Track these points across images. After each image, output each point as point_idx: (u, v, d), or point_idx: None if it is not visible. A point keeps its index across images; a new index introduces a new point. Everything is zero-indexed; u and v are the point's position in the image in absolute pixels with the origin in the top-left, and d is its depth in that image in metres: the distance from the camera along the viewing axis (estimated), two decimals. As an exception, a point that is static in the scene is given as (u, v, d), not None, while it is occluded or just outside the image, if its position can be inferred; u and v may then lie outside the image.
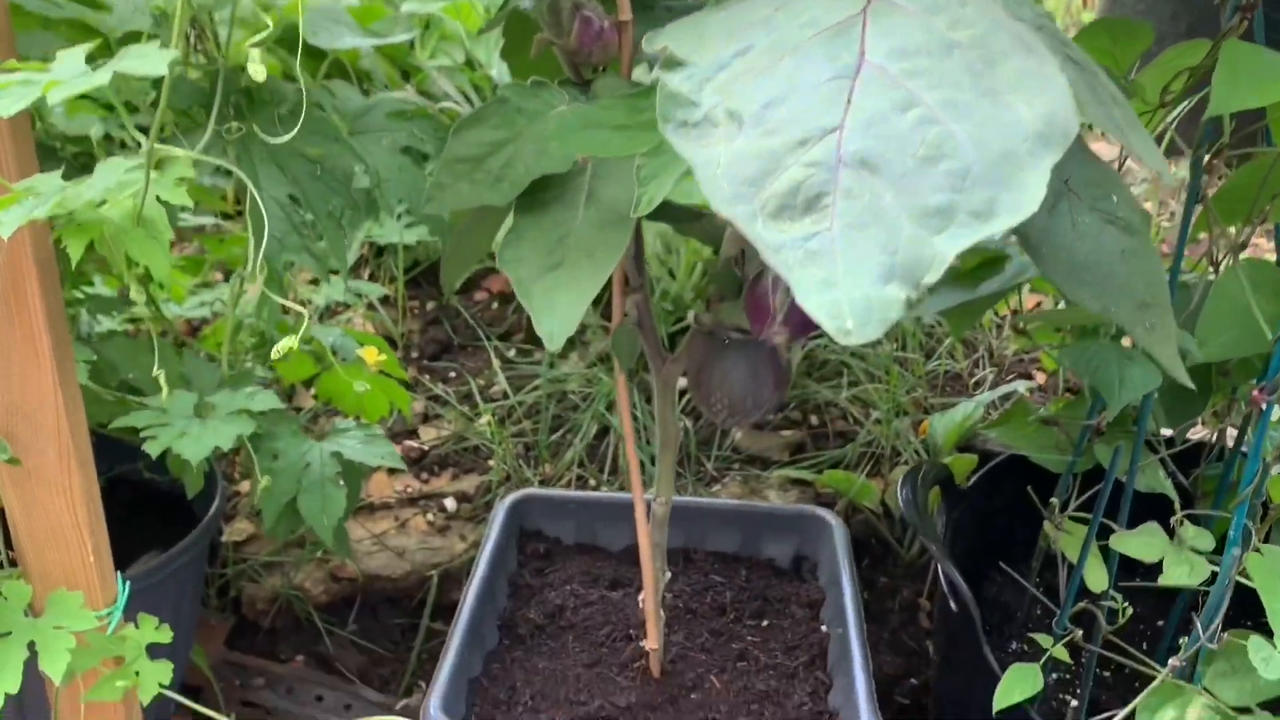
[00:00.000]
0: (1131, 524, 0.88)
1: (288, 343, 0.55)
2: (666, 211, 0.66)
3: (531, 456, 1.44)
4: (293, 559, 1.30)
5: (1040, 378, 1.63)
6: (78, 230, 0.54)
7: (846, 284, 0.35)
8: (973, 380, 1.61)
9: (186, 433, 0.77)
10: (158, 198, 0.53)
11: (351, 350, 1.02)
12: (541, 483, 1.39)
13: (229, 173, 0.81)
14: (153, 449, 0.76)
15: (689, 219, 0.81)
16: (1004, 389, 1.45)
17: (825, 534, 1.17)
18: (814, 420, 1.53)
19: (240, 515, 1.36)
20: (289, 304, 0.59)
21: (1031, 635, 0.87)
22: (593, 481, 1.40)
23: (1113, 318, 0.59)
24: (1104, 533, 0.97)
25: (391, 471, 1.44)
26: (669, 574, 0.99)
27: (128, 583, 0.74)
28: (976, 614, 0.86)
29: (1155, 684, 0.73)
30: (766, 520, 1.21)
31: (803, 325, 0.64)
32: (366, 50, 1.46)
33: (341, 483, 0.86)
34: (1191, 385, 0.65)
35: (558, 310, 0.64)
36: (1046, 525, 0.92)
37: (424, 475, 1.44)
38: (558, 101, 0.73)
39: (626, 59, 0.80)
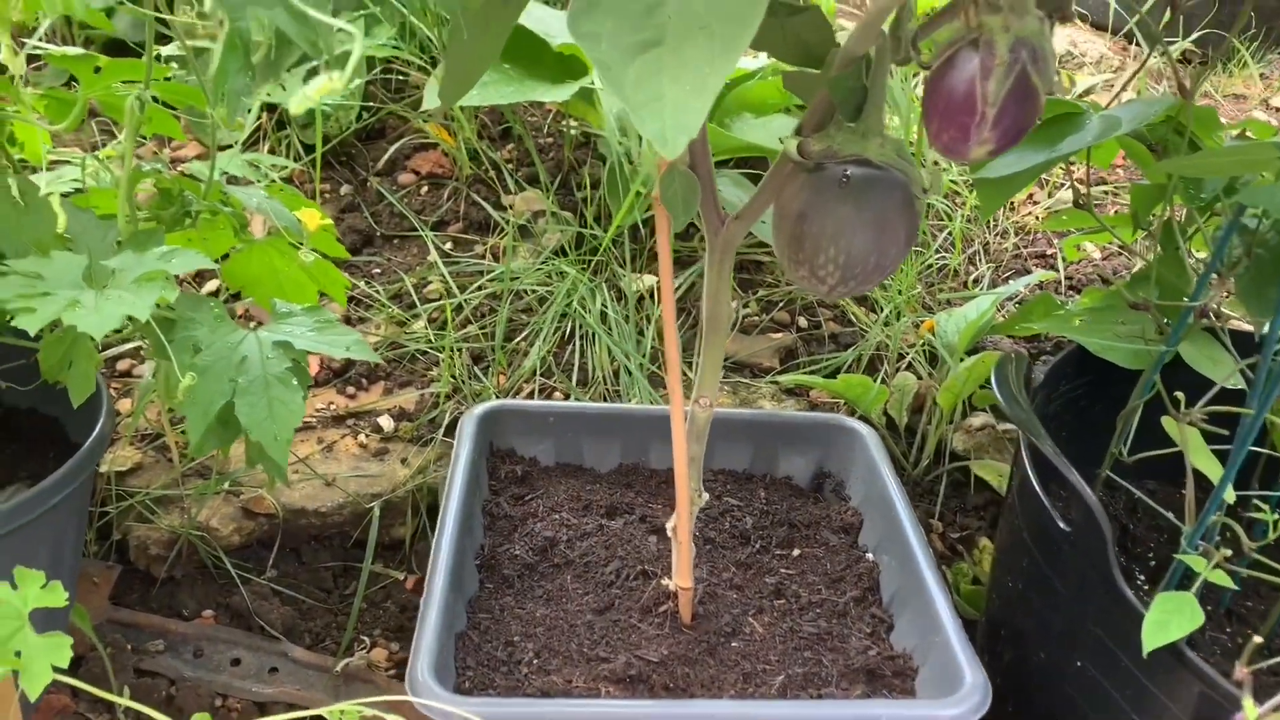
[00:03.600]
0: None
1: (326, 86, 0.33)
2: None
3: (483, 365, 1.23)
4: (194, 492, 1.07)
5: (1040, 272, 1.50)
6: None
7: None
8: (970, 278, 1.47)
9: (79, 301, 0.53)
10: None
11: (282, 216, 0.79)
12: (499, 395, 1.19)
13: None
14: (29, 323, 0.53)
15: (784, 12, 0.61)
16: (1025, 280, 1.32)
17: (855, 447, 1.01)
18: (803, 322, 1.37)
19: (123, 439, 1.11)
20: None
21: (1177, 555, 0.72)
22: (559, 393, 1.20)
23: None
24: (1215, 438, 0.83)
25: (315, 382, 1.21)
26: (705, 496, 0.81)
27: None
28: (1109, 532, 0.71)
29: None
30: (782, 432, 1.04)
31: (1019, 128, 0.46)
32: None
33: (295, 381, 0.65)
34: None
35: (668, 101, 0.44)
36: (1170, 425, 0.77)
37: (350, 390, 1.22)
38: None
39: None
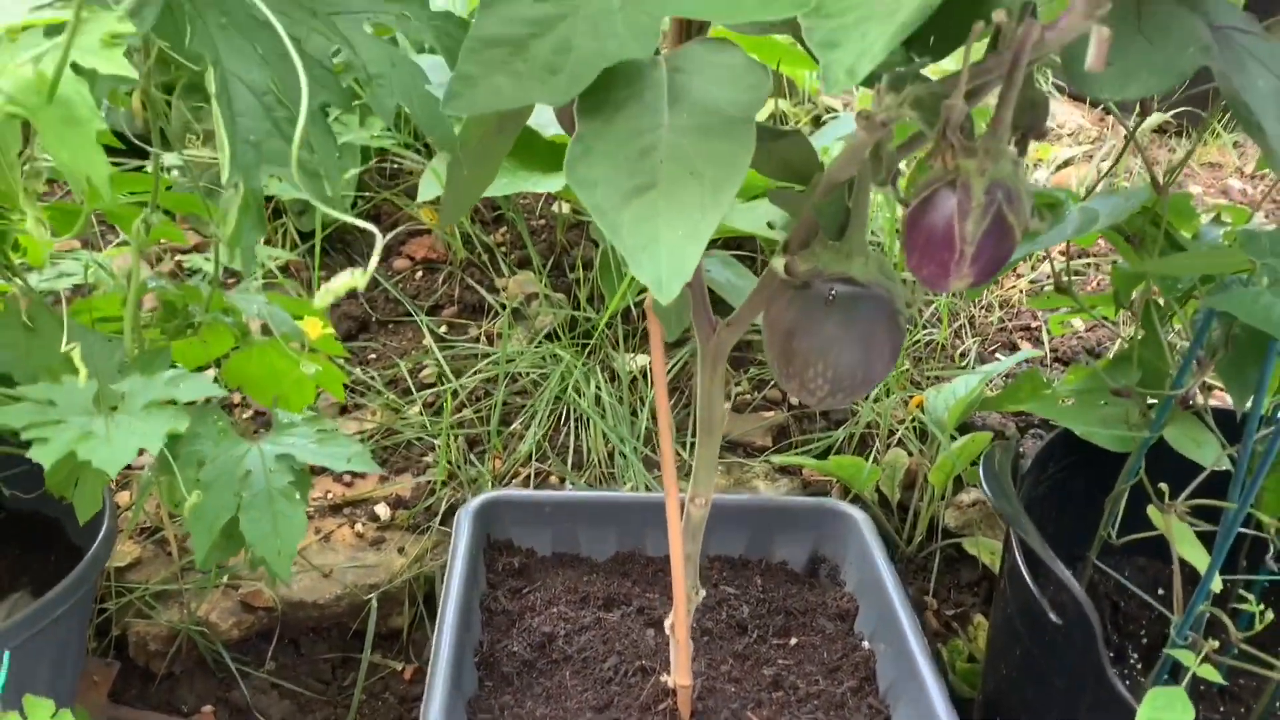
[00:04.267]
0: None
1: (349, 282, 0.35)
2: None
3: (478, 450, 1.24)
4: (193, 586, 1.07)
5: (1026, 346, 1.53)
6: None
7: None
8: (957, 352, 1.50)
9: (92, 432, 0.55)
10: (75, 66, 0.33)
11: (284, 323, 0.81)
12: (495, 481, 1.20)
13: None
14: (43, 456, 0.54)
15: (768, 138, 0.64)
16: (1013, 359, 1.34)
17: (848, 531, 1.03)
18: (794, 400, 1.38)
19: (123, 533, 1.12)
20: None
21: (1167, 650, 0.74)
22: (555, 477, 1.21)
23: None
24: (1201, 517, 0.85)
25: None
26: (702, 593, 0.82)
27: (5, 653, 0.53)
28: (1098, 627, 0.72)
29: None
30: (777, 517, 1.05)
31: (995, 263, 0.49)
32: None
33: (298, 495, 0.66)
34: None
35: (663, 247, 0.46)
36: (1155, 515, 0.79)
37: (347, 477, 1.23)
38: (619, -35, 0.55)
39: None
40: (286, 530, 0.64)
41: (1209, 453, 0.95)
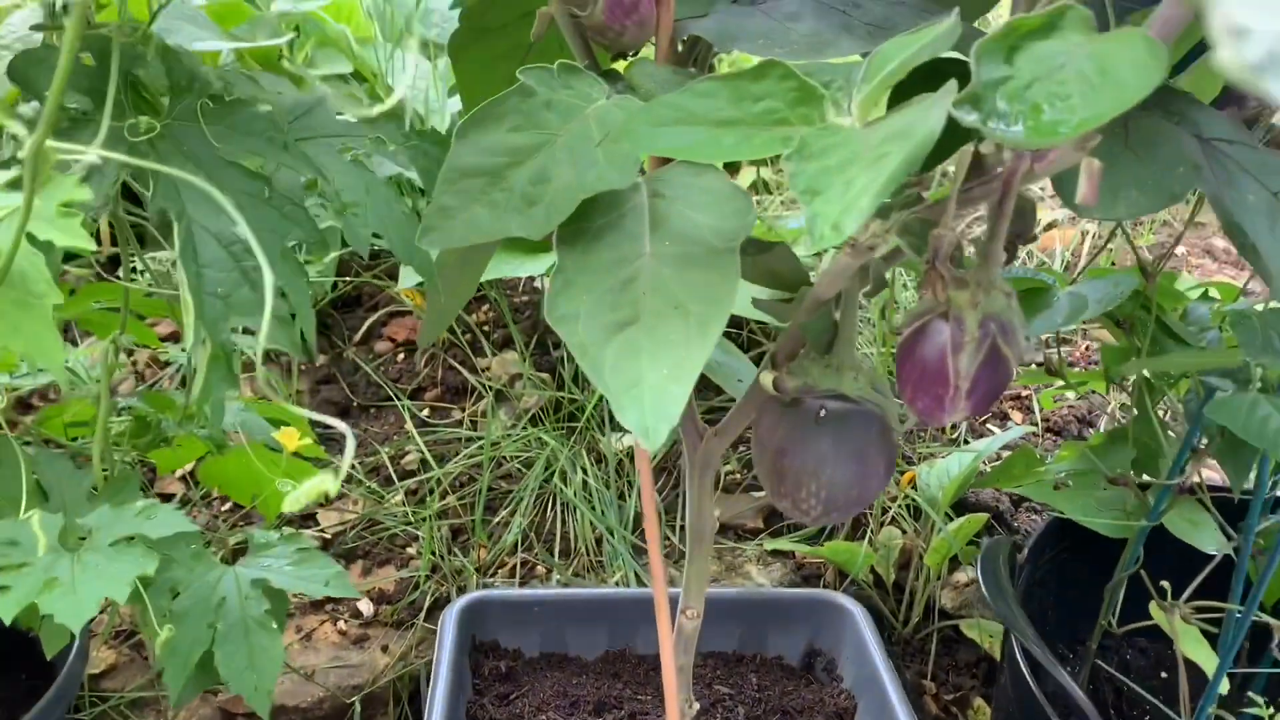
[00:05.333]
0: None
1: (318, 488, 0.34)
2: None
3: (463, 540, 1.22)
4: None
5: (1017, 416, 1.52)
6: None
7: None
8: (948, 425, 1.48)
9: (56, 579, 0.53)
10: (30, 237, 0.32)
11: (260, 432, 0.79)
12: (480, 572, 1.18)
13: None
14: (4, 610, 0.52)
15: (753, 250, 0.63)
16: (1006, 436, 1.33)
17: (845, 624, 1.01)
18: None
19: (98, 638, 1.09)
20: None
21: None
22: (541, 568, 1.19)
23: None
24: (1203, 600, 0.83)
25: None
26: (696, 705, 0.79)
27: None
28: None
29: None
30: (771, 610, 1.03)
31: (991, 396, 0.47)
32: (228, 56, 1.23)
33: (274, 624, 0.64)
34: None
35: (646, 390, 0.45)
36: (1157, 613, 0.78)
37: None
38: (596, 93, 0.54)
39: (665, 41, 0.62)
40: (263, 664, 0.62)
41: (1208, 536, 0.93)
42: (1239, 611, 0.77)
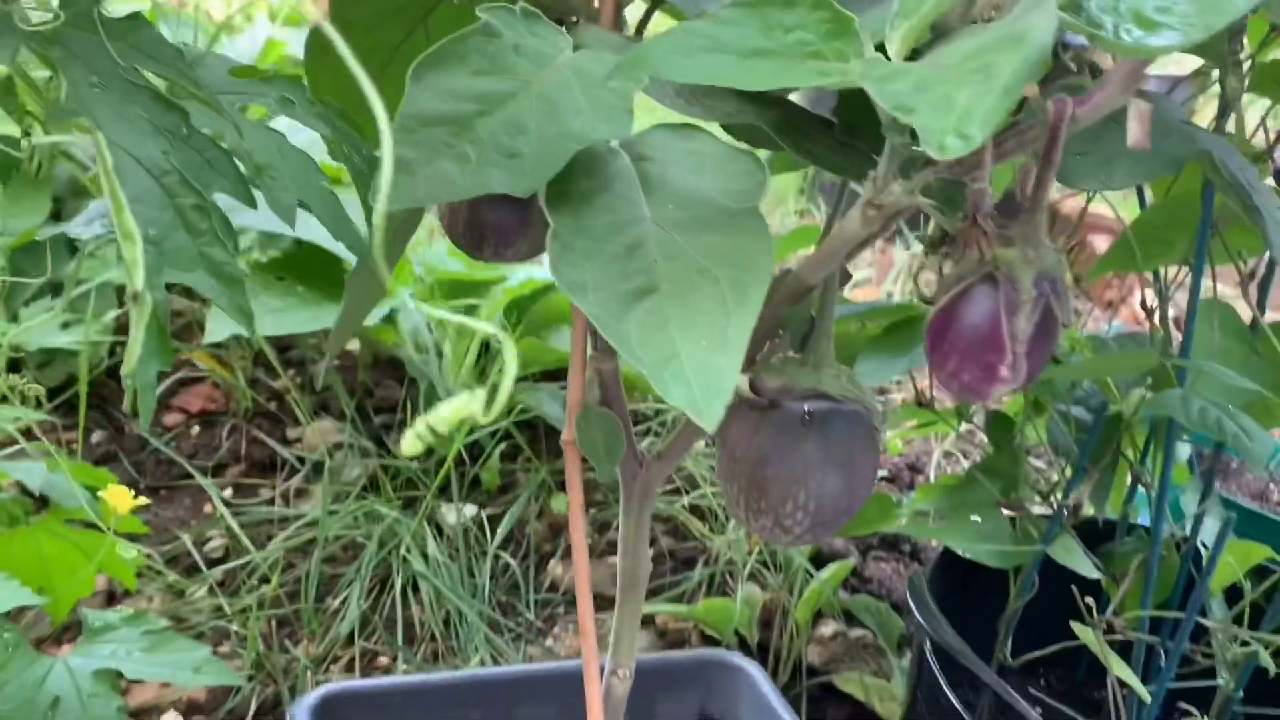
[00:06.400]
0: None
1: None
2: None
3: (288, 633, 1.06)
4: None
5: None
6: None
7: None
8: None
9: None
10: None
11: (69, 496, 0.64)
12: (314, 667, 1.02)
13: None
14: None
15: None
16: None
17: (741, 686, 0.94)
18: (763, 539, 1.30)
19: None
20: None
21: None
22: (384, 657, 1.05)
23: None
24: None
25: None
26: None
27: None
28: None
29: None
30: (656, 676, 0.95)
31: (1041, 365, 0.43)
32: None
33: (132, 725, 0.50)
34: None
35: (686, 365, 0.38)
36: (1083, 632, 0.76)
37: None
38: (562, 43, 0.47)
39: (610, 7, 0.56)
40: (120, 776, 0.47)
41: (1084, 560, 0.94)
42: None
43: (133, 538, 1.04)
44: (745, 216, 0.42)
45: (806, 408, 0.52)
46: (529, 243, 0.62)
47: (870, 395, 0.55)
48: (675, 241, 0.42)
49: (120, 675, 0.51)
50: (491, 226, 0.60)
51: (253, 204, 0.38)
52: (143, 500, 0.70)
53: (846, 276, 0.56)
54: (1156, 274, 0.85)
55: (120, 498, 0.66)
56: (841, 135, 0.56)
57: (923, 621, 0.79)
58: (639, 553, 0.64)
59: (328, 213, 0.44)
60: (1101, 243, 2.31)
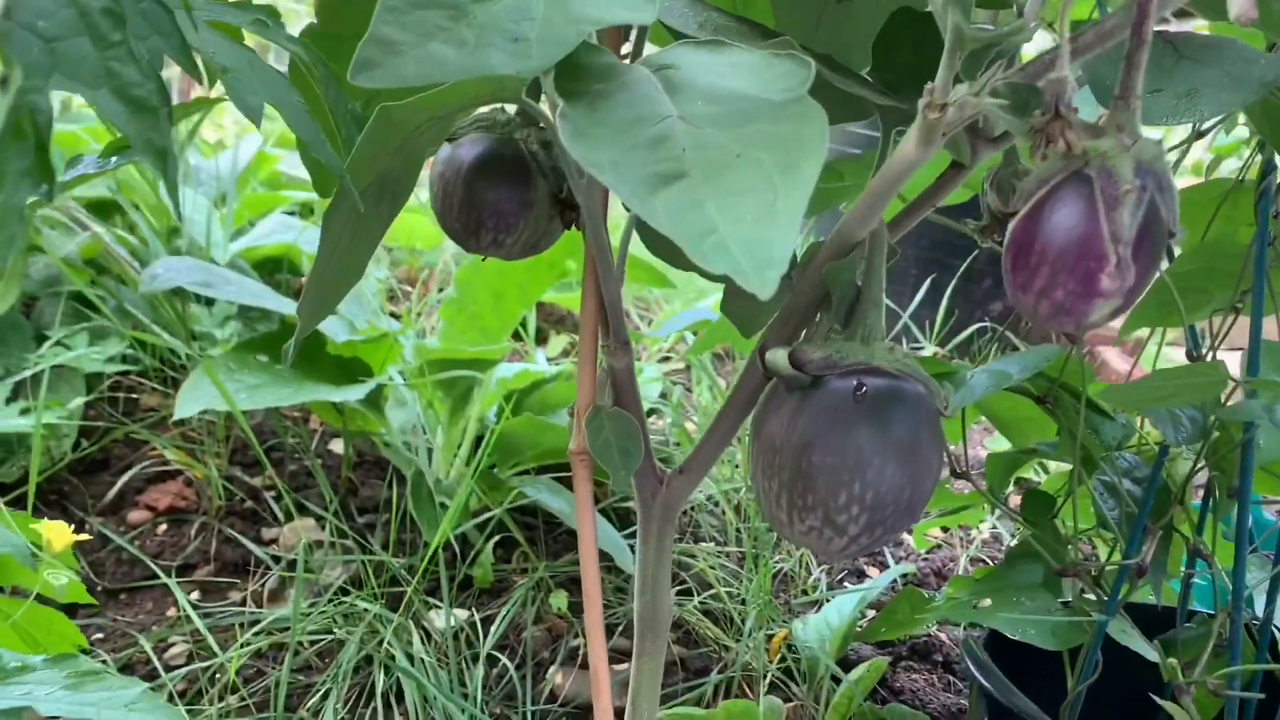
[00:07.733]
0: None
1: None
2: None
3: (254, 746, 0.95)
4: None
5: (875, 572, 1.42)
6: None
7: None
8: (807, 583, 1.37)
9: None
10: None
11: (23, 553, 0.56)
12: (281, 784, 0.91)
13: None
14: None
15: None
16: (886, 577, 1.23)
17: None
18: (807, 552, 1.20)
19: None
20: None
21: None
22: (363, 770, 0.94)
23: None
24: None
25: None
26: None
27: None
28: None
29: None
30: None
31: (1149, 274, 0.37)
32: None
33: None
34: None
35: (727, 235, 0.32)
36: (1176, 710, 0.66)
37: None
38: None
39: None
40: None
41: (1141, 642, 0.85)
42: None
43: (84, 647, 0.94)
44: (792, 104, 0.36)
45: (859, 384, 0.45)
46: (531, 229, 0.56)
47: (927, 372, 0.48)
48: (707, 136, 0.36)
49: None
50: (490, 208, 0.54)
51: (195, 72, 0.32)
52: (83, 535, 0.61)
53: (894, 251, 0.50)
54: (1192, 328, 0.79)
55: (57, 532, 0.58)
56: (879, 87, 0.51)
57: (985, 682, 0.69)
58: (659, 590, 0.55)
59: (298, 122, 0.38)
60: (1110, 354, 2.27)
